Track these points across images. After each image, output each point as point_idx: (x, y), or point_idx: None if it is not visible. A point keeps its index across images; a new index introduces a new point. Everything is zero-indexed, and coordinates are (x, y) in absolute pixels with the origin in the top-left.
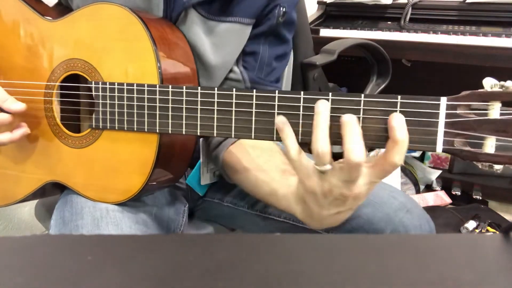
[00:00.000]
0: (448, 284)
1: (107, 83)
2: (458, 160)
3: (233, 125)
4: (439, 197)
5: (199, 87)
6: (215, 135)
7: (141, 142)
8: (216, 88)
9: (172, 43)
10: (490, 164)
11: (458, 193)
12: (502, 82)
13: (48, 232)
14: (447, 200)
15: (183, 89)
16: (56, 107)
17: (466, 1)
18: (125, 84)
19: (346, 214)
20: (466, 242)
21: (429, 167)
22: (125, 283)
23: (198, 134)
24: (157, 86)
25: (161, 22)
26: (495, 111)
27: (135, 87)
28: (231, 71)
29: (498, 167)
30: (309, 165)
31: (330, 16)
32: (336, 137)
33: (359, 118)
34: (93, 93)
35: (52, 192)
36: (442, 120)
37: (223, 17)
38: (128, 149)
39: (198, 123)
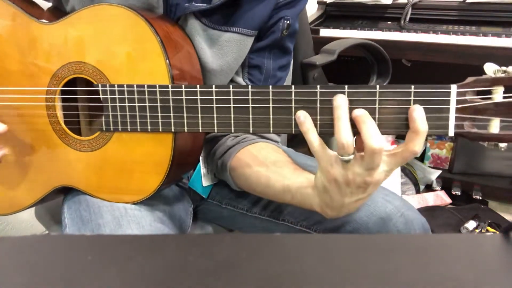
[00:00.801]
0: (448, 284)
1: (116, 85)
2: (458, 160)
3: (250, 121)
4: (439, 197)
5: (213, 86)
6: (233, 131)
7: (154, 142)
8: (231, 86)
9: (177, 41)
10: (495, 143)
11: (458, 193)
12: (503, 68)
13: (48, 232)
14: (447, 200)
15: (197, 88)
16: (60, 112)
17: (466, 1)
18: (135, 86)
19: (364, 201)
20: (466, 242)
21: (429, 167)
22: (125, 283)
23: (216, 131)
24: (170, 86)
25: (164, 20)
26: (498, 95)
27: (146, 88)
28: (236, 83)
29: (503, 145)
30: (332, 155)
31: (330, 16)
32: (354, 127)
33: (375, 108)
34: (101, 96)
35: (56, 196)
36: (453, 106)
37: (225, 27)
38: (141, 150)
39: (215, 121)
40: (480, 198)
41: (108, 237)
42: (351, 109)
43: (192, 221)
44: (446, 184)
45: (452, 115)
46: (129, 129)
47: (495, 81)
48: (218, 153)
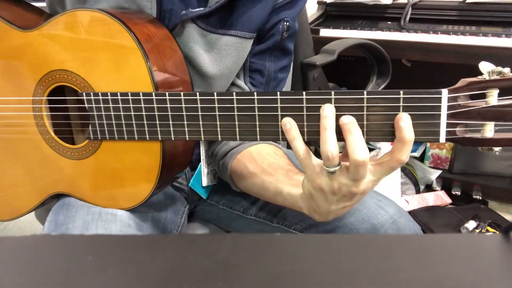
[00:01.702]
0: (448, 284)
1: (99, 94)
2: (458, 160)
3: (237, 129)
4: (439, 197)
5: (197, 93)
6: (219, 139)
7: (143, 150)
8: (215, 94)
9: (160, 43)
10: (490, 147)
11: (458, 193)
12: (499, 68)
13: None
14: (447, 200)
15: (181, 96)
16: (48, 121)
17: (466, 1)
18: (118, 94)
19: (352, 207)
20: (466, 242)
21: (429, 167)
22: (125, 283)
23: (202, 139)
24: (153, 94)
25: (147, 24)
26: (493, 98)
27: (130, 97)
28: (238, 87)
29: (497, 149)
30: (317, 164)
31: (330, 16)
32: (341, 134)
33: (362, 115)
34: (86, 105)
35: (54, 200)
36: (444, 112)
37: (222, 30)
38: (131, 158)
39: (201, 129)
40: (480, 198)
41: (108, 237)
42: (338, 116)
43: (191, 221)
44: (446, 184)
45: (443, 121)
46: (116, 138)
47: (490, 84)
48: (221, 153)
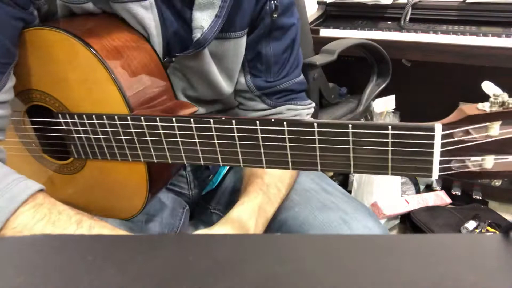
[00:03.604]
0: (448, 284)
1: (75, 116)
2: None
3: (219, 155)
4: (439, 197)
5: (174, 118)
6: (202, 164)
7: (129, 168)
8: (192, 119)
9: (131, 54)
10: (490, 179)
11: (458, 193)
12: (503, 97)
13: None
14: (447, 200)
15: (157, 121)
16: (33, 137)
17: (466, 1)
18: (94, 116)
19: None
20: (466, 242)
21: None
22: (125, 283)
23: (185, 163)
24: (129, 118)
25: (112, 30)
26: (494, 130)
27: (105, 121)
28: (238, 83)
29: (497, 181)
30: None
31: (330, 16)
32: (326, 166)
33: (349, 148)
34: (63, 126)
35: None
36: (437, 149)
37: (219, 34)
38: (117, 176)
39: (182, 154)
40: (480, 198)
41: (108, 237)
42: (321, 148)
43: (190, 221)
44: (446, 184)
45: (437, 158)
46: (99, 158)
47: (492, 117)
48: None
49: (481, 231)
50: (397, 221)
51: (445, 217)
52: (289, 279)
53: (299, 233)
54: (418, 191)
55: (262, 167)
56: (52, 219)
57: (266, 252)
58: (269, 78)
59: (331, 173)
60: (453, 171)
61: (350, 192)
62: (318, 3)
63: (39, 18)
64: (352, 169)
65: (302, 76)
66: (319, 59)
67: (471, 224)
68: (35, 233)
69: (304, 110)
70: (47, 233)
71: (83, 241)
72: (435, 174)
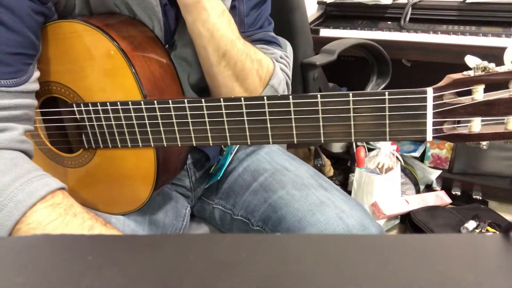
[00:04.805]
0: (448, 284)
1: (89, 104)
2: (458, 160)
3: (227, 133)
4: (439, 197)
5: (186, 100)
6: (211, 144)
7: (138, 156)
8: (203, 100)
9: (146, 48)
10: (477, 142)
11: (458, 193)
12: (484, 63)
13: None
14: (447, 200)
15: (169, 104)
16: (43, 132)
17: (466, 1)
18: (108, 104)
19: None
20: (466, 242)
21: (429, 167)
22: (125, 283)
23: (194, 145)
24: (142, 102)
25: (128, 26)
26: (479, 93)
27: (119, 106)
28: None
29: (484, 143)
30: None
31: (330, 16)
32: (328, 136)
33: (349, 117)
34: (77, 116)
35: None
36: (430, 111)
37: None
38: (126, 164)
39: (192, 135)
40: (480, 198)
41: (108, 237)
42: (324, 118)
43: (191, 221)
44: (446, 184)
45: (430, 119)
46: (110, 146)
47: (475, 80)
48: None
49: (481, 231)
50: (397, 221)
51: (445, 217)
52: (289, 279)
53: (297, 229)
54: (418, 191)
55: (269, 143)
56: (66, 220)
57: (266, 252)
58: (242, 29)
59: (331, 174)
60: (444, 133)
61: (349, 192)
62: (318, 3)
63: (57, 14)
64: (353, 137)
65: (274, 34)
66: (319, 59)
67: (471, 224)
68: (47, 233)
69: (278, 50)
70: (48, 233)
71: (83, 241)
72: (429, 135)
